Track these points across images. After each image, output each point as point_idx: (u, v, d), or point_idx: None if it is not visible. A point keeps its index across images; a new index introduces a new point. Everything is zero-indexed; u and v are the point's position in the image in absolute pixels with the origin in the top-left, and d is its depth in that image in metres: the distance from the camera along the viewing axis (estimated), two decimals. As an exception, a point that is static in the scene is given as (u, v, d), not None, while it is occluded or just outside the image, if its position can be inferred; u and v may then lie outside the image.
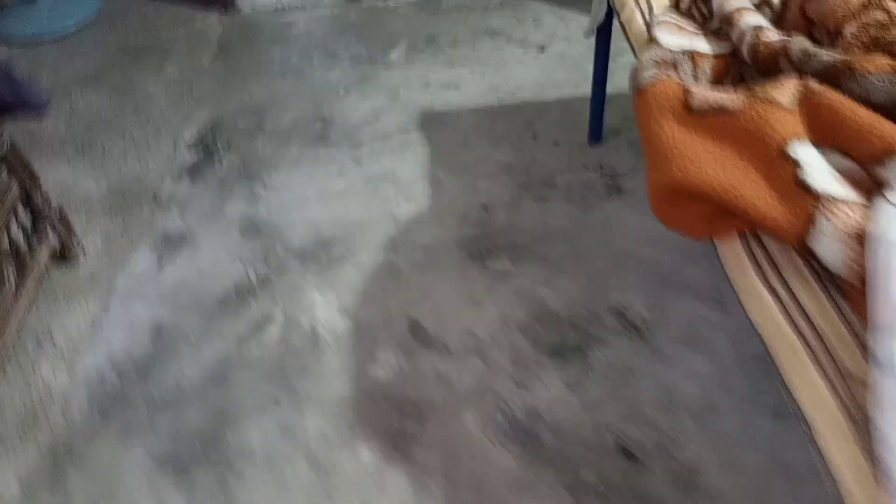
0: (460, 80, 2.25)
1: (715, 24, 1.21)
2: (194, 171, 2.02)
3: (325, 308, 1.61)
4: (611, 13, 1.62)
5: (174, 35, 2.61)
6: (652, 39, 1.17)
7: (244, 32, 2.59)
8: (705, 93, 0.97)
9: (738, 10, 1.13)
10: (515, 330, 1.52)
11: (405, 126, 2.10)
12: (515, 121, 2.08)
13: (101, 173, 2.04)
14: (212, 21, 2.66)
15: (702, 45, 1.16)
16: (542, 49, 2.33)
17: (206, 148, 2.10)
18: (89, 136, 2.18)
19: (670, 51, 1.13)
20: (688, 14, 1.28)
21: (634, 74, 1.10)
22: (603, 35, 1.71)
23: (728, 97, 0.94)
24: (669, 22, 1.21)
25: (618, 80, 1.93)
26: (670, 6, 1.32)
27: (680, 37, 1.17)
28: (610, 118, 1.95)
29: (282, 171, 1.99)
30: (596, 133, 1.94)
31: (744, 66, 1.12)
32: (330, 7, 2.65)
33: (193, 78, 2.39)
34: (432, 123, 2.10)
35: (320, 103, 2.22)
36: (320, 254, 1.74)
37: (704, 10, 1.27)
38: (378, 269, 1.69)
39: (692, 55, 1.13)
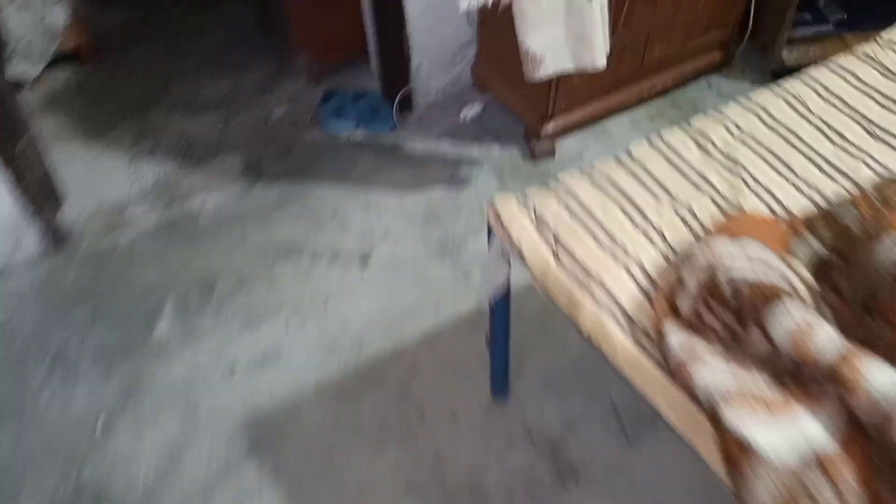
0: (277, 346, 1.57)
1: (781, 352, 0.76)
2: None
3: None
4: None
5: None
6: (746, 450, 0.67)
7: None
8: None
9: (847, 359, 0.68)
10: None
11: (227, 462, 1.37)
12: (383, 393, 1.48)
13: None
14: None
15: (814, 428, 0.69)
16: (364, 260, 1.75)
17: None
18: None
19: (794, 470, 0.65)
20: (710, 326, 0.82)
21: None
22: (503, 303, 1.19)
23: None
24: (737, 390, 0.73)
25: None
26: (666, 315, 0.85)
27: (781, 423, 0.69)
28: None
29: None
30: (500, 384, 1.43)
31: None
32: (29, 270, 1.76)
33: None
34: (268, 438, 1.40)
35: (72, 461, 1.38)
36: None
37: (726, 318, 0.82)
38: None
39: (819, 463, 0.67)
